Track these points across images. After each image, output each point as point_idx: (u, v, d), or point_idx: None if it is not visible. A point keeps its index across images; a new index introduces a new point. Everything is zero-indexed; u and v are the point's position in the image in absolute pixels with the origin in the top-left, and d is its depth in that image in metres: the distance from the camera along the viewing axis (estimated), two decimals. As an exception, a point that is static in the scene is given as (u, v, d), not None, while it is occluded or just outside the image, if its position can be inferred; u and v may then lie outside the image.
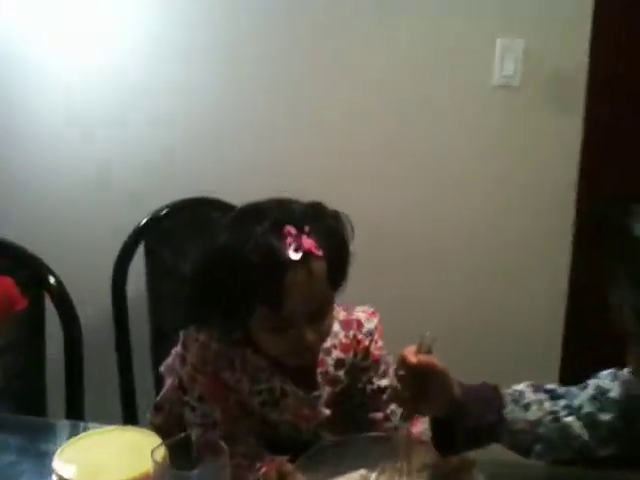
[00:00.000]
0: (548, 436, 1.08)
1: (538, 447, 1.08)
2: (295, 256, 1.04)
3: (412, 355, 1.01)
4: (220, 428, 1.15)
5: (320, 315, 1.11)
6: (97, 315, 1.91)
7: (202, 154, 2.17)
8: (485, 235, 2.14)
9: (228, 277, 1.06)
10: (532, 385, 1.12)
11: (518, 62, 2.02)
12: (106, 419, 1.24)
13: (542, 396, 1.10)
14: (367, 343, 1.23)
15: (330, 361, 1.21)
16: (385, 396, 1.22)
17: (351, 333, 1.22)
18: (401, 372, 1.02)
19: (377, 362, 1.24)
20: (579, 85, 2.01)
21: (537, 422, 1.08)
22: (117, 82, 2.17)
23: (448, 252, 2.15)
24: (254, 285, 1.05)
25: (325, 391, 1.21)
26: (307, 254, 1.05)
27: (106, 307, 1.75)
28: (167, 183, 2.14)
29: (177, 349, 1.20)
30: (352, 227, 1.13)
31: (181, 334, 1.19)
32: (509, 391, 1.10)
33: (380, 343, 1.24)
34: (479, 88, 2.06)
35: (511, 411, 1.07)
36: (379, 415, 1.23)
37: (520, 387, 1.12)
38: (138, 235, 1.80)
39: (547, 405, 1.09)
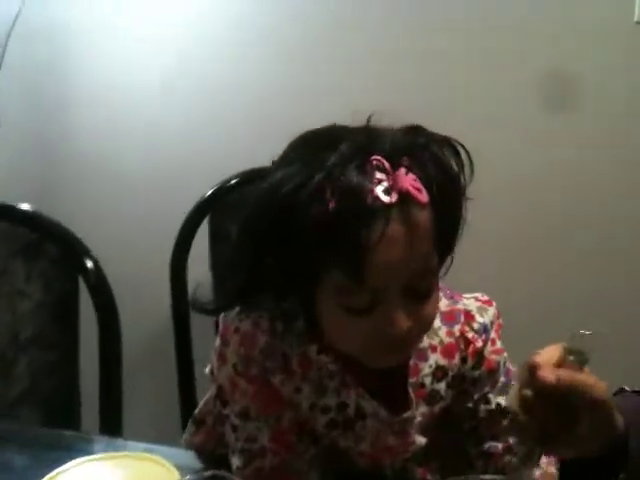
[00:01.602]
0: None
1: None
2: (387, 198, 0.70)
3: (549, 369, 0.64)
4: (269, 458, 0.82)
5: (419, 292, 0.75)
6: (151, 310, 1.64)
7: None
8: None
9: (286, 228, 0.73)
10: None
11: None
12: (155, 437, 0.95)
13: None
14: (480, 344, 0.86)
15: (427, 369, 0.85)
16: (505, 422, 0.86)
17: (457, 329, 0.86)
18: (527, 392, 0.66)
19: (494, 371, 0.87)
20: None
21: None
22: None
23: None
24: (325, 239, 0.71)
25: (420, 411, 0.86)
26: (405, 196, 0.71)
27: (162, 298, 1.46)
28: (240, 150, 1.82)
29: (216, 344, 0.87)
30: (472, 164, 0.76)
31: (220, 321, 0.86)
32: None
33: (499, 344, 0.87)
34: (619, 26, 1.64)
35: None
36: (497, 447, 0.87)
37: None
38: (202, 210, 1.51)
39: None
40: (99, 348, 1.23)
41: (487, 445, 0.87)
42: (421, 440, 0.87)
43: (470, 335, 0.86)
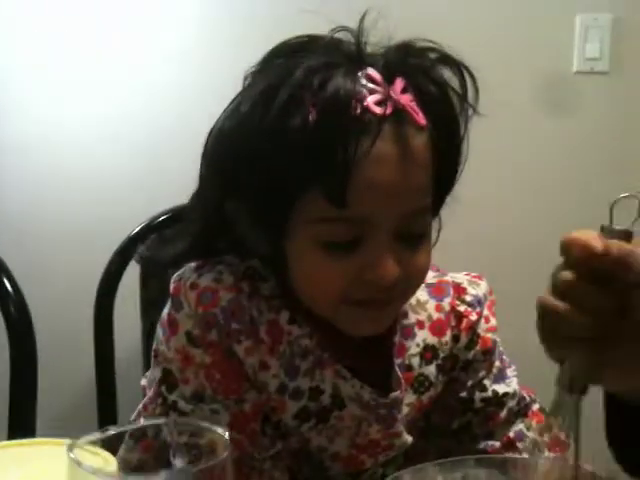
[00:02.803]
0: None
1: None
2: (380, 109, 0.60)
3: (594, 238, 0.47)
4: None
5: (411, 235, 0.65)
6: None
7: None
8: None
9: (261, 141, 0.62)
10: None
11: (604, 42, 1.63)
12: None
13: None
14: (475, 318, 0.74)
15: (414, 348, 0.73)
16: (502, 414, 0.74)
17: (446, 303, 0.75)
18: (565, 274, 0.48)
19: (490, 352, 0.75)
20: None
21: None
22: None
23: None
24: (306, 151, 0.60)
25: (406, 401, 0.73)
26: (401, 113, 0.62)
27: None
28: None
29: (163, 313, 0.71)
30: (475, 83, 0.66)
31: (171, 281, 0.71)
32: None
33: (493, 322, 0.76)
34: (557, 76, 1.66)
35: None
36: (494, 445, 0.75)
37: None
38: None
39: None
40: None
41: (482, 444, 0.75)
42: (407, 438, 0.74)
43: (462, 309, 0.75)
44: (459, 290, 0.76)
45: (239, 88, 0.68)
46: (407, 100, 0.62)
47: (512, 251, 1.68)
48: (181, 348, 0.68)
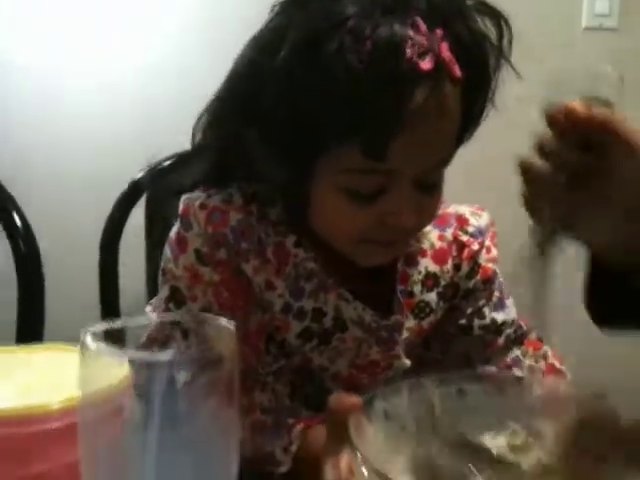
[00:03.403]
0: None
1: None
2: (425, 64, 0.59)
3: (581, 107, 0.50)
4: None
5: (427, 182, 0.66)
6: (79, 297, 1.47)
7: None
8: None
9: (301, 84, 0.61)
10: None
11: (614, -1, 1.63)
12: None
13: None
14: (476, 247, 0.76)
15: (417, 275, 0.74)
16: (500, 340, 0.76)
17: (449, 233, 0.76)
18: (547, 133, 0.52)
19: (490, 281, 0.77)
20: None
21: None
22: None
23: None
24: (351, 104, 0.59)
25: (407, 326, 0.75)
26: (441, 66, 0.60)
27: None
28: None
29: (172, 232, 0.73)
30: (511, 32, 0.65)
31: (181, 202, 0.72)
32: None
33: (494, 252, 0.77)
34: (566, 32, 1.65)
35: None
36: (492, 370, 0.76)
37: None
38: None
39: None
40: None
41: (479, 370, 0.77)
42: (406, 361, 0.76)
43: (465, 239, 0.76)
44: (462, 221, 0.77)
45: (241, 39, 0.66)
46: (446, 52, 0.61)
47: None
48: (190, 266, 0.70)
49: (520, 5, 1.59)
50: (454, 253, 0.76)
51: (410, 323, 0.75)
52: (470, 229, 0.76)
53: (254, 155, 0.67)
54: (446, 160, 0.67)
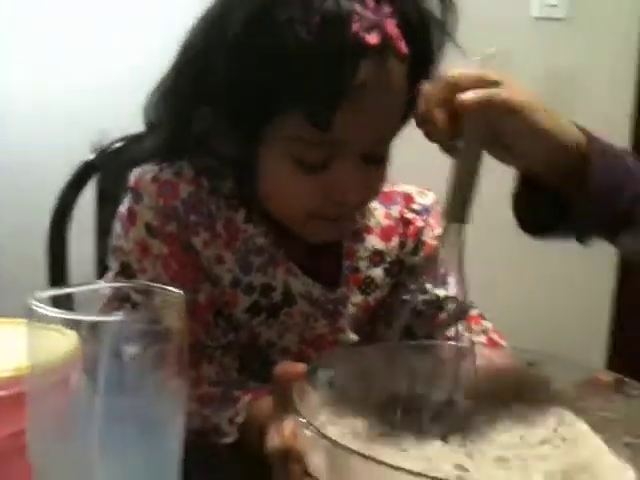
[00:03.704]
0: None
1: None
2: (371, 37, 0.61)
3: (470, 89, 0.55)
4: None
5: (375, 157, 0.68)
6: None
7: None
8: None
9: (249, 55, 0.63)
10: None
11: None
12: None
13: None
14: (421, 224, 0.78)
15: (363, 251, 0.77)
16: (442, 315, 0.78)
17: (395, 211, 0.78)
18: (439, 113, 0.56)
19: (434, 258, 0.78)
20: (635, 17, 1.65)
21: None
22: None
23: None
24: (297, 75, 0.61)
25: (353, 301, 0.77)
26: (388, 42, 0.62)
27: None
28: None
29: (121, 207, 0.73)
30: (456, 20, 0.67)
31: (131, 176, 0.73)
32: None
33: (438, 231, 0.80)
34: (516, 21, 1.69)
35: None
36: (428, 331, 0.79)
37: None
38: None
39: None
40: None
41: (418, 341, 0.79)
42: (353, 337, 0.78)
43: (410, 216, 0.79)
44: (408, 199, 0.79)
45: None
46: (393, 28, 0.63)
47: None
48: (140, 239, 0.70)
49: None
50: (400, 230, 0.78)
51: (357, 299, 0.77)
52: (416, 207, 0.79)
53: (205, 127, 0.68)
54: (392, 135, 0.68)
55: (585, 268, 1.75)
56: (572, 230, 0.63)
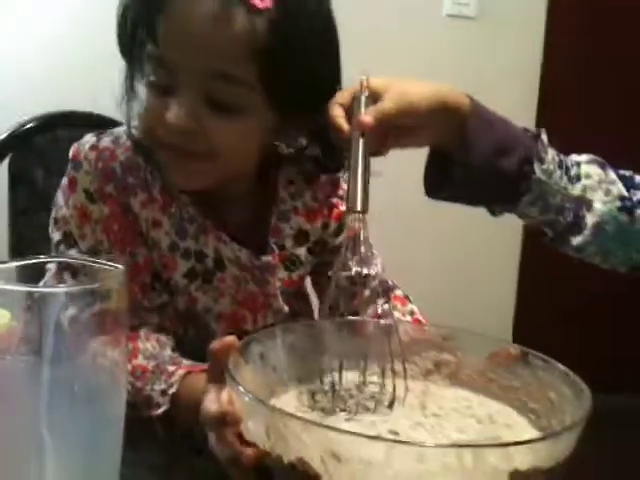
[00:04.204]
0: (602, 227, 0.73)
1: (579, 238, 0.73)
2: None
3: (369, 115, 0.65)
4: None
5: (223, 103, 0.68)
6: None
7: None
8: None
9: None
10: (598, 161, 0.75)
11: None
12: None
13: (612, 176, 0.74)
14: (344, 208, 0.82)
15: (288, 230, 0.80)
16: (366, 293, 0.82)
17: (322, 195, 0.83)
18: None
19: (356, 238, 0.82)
20: (540, 15, 1.75)
21: (588, 202, 0.72)
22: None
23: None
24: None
25: (279, 277, 0.81)
26: None
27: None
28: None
29: (62, 181, 0.76)
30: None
31: (71, 148, 0.75)
32: (561, 156, 0.74)
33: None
34: (428, 19, 1.75)
35: (547, 172, 0.71)
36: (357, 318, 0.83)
37: (580, 158, 0.75)
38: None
39: (615, 189, 0.73)
40: None
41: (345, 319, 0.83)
42: (283, 305, 0.82)
43: (335, 201, 0.83)
44: (334, 185, 0.83)
45: None
46: None
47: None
48: (79, 205, 0.73)
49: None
50: (325, 213, 0.82)
51: (282, 274, 0.81)
52: (341, 192, 0.83)
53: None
54: (234, 78, 0.67)
55: (492, 253, 1.84)
56: (462, 191, 0.72)
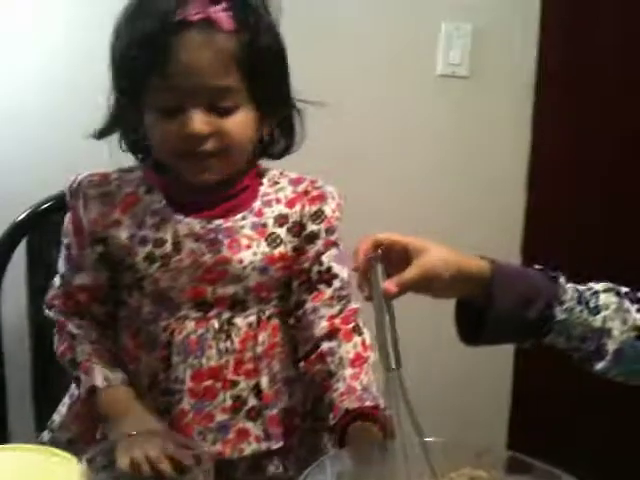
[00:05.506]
0: (623, 353, 0.79)
1: (602, 363, 0.79)
2: (192, 17, 0.85)
3: (392, 285, 0.74)
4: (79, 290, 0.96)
5: (221, 109, 0.88)
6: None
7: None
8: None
9: (124, 37, 0.89)
10: (614, 290, 0.82)
11: (466, 49, 1.82)
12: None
13: (626, 304, 0.80)
14: (319, 193, 0.97)
15: (270, 213, 0.94)
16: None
17: (301, 188, 0.97)
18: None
19: (331, 232, 0.96)
20: (530, 75, 1.81)
21: (608, 331, 0.79)
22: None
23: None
24: (143, 48, 0.85)
25: (261, 250, 0.93)
26: (208, 21, 0.86)
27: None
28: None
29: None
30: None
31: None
32: (579, 287, 0.81)
33: (339, 214, 0.98)
34: (422, 78, 1.82)
35: (567, 311, 0.78)
36: (311, 358, 0.95)
37: (597, 286, 0.81)
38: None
39: (630, 319, 0.79)
40: None
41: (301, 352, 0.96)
42: (238, 265, 0.91)
43: (314, 192, 0.96)
44: (313, 182, 0.98)
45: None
46: (221, 14, 0.85)
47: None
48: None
49: (381, 53, 1.76)
50: (303, 200, 0.96)
51: (264, 248, 0.92)
52: (318, 184, 0.97)
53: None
54: (227, 89, 0.87)
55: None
56: (493, 338, 0.79)
